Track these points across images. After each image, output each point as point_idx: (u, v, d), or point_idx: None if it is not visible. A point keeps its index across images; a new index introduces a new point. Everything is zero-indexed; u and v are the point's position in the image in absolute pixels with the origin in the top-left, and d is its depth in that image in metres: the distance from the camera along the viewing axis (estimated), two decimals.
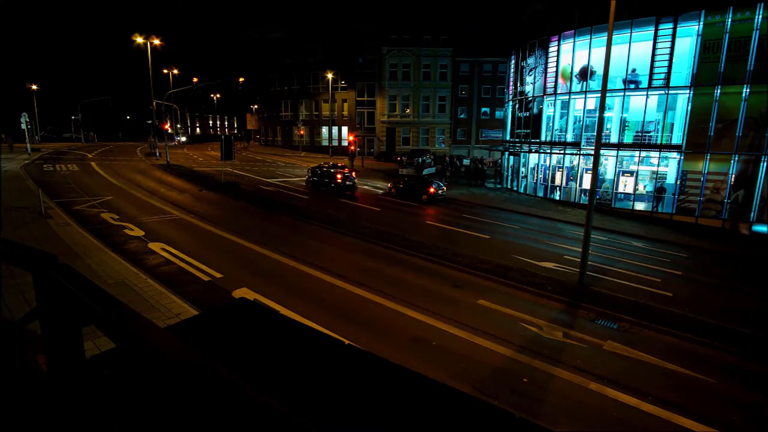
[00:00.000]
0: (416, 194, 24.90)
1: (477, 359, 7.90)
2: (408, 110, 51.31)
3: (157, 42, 33.42)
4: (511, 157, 31.88)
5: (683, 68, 21.50)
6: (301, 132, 54.43)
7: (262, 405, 0.96)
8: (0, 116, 48.98)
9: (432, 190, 24.67)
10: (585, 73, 25.04)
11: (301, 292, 10.31)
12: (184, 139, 70.92)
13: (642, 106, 22.65)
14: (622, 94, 23.52)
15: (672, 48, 21.16)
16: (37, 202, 15.72)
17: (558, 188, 27.26)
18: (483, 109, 51.85)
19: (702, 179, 21.17)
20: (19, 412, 1.77)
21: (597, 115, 19.81)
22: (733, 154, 20.21)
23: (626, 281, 12.60)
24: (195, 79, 60.30)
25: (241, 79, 65.44)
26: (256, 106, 69.04)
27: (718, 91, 20.24)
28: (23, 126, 35.76)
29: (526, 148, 29.55)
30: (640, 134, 23.27)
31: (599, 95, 15.56)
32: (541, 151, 27.93)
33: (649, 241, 18.63)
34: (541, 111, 28.16)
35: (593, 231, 12.77)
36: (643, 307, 10.44)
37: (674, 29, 21.04)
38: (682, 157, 21.73)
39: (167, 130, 39.67)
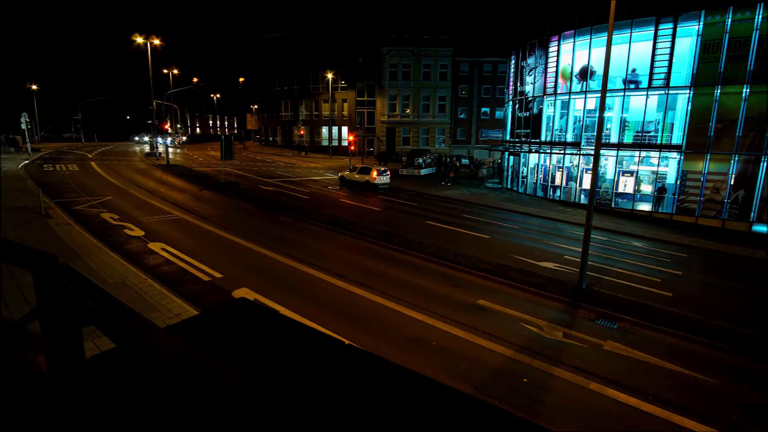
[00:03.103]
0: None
1: (477, 359, 7.90)
2: (408, 110, 51.30)
3: (157, 42, 33.42)
4: (511, 157, 31.89)
5: (683, 68, 21.49)
6: (301, 132, 54.42)
7: (262, 405, 0.96)
8: (0, 116, 48.97)
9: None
10: (585, 73, 25.04)
11: (301, 291, 10.31)
12: (184, 139, 70.47)
13: (642, 106, 22.64)
14: (622, 94, 23.51)
15: (672, 48, 21.15)
16: (37, 202, 15.72)
17: (558, 188, 27.26)
18: (483, 109, 51.86)
19: (702, 179, 21.17)
20: (19, 412, 1.77)
21: (597, 115, 19.80)
22: (733, 154, 20.20)
23: (626, 281, 12.59)
24: (195, 79, 60.33)
25: (241, 79, 65.41)
26: (256, 106, 69.01)
27: (718, 91, 20.23)
28: (23, 126, 35.76)
29: (526, 148, 29.54)
30: (640, 134, 23.27)
31: (599, 95, 15.55)
32: (541, 151, 27.92)
33: (649, 241, 18.62)
34: (541, 111, 28.15)
35: (593, 231, 12.78)
36: (643, 307, 10.43)
37: (674, 29, 21.03)
38: (682, 157, 21.72)
39: (167, 129, 39.72)
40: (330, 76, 48.94)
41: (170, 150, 37.97)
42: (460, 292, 11.01)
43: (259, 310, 2.41)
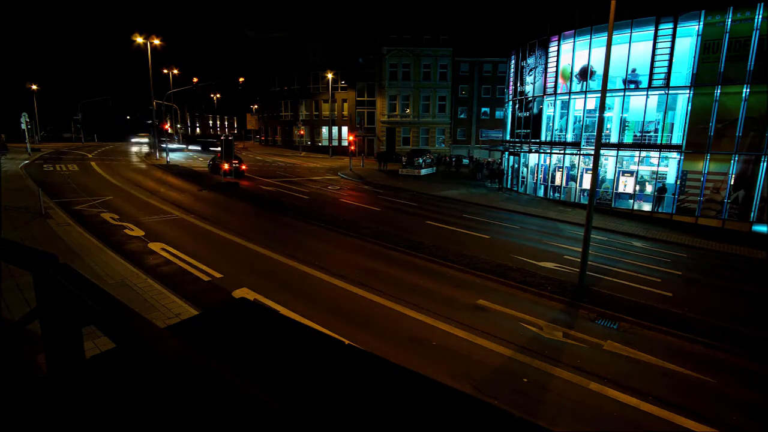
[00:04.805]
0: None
1: (477, 359, 7.90)
2: (408, 110, 51.32)
3: (157, 42, 33.43)
4: (511, 157, 31.89)
5: (683, 68, 21.49)
6: (301, 132, 54.43)
7: (262, 405, 0.96)
8: (0, 116, 48.94)
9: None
10: (585, 73, 25.04)
11: (301, 292, 10.31)
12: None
13: (642, 106, 22.65)
14: (622, 94, 23.51)
15: (672, 48, 21.16)
16: (37, 202, 15.71)
17: (558, 188, 27.27)
18: (483, 109, 51.88)
19: (702, 179, 21.17)
20: (19, 412, 1.77)
21: (597, 115, 19.82)
22: (733, 154, 20.21)
23: (626, 281, 12.59)
24: (195, 79, 60.29)
25: (241, 80, 65.43)
26: (256, 106, 69.00)
27: (718, 91, 20.24)
28: (23, 126, 35.73)
29: (526, 148, 29.55)
30: (640, 134, 23.28)
31: (599, 95, 15.55)
32: (541, 151, 27.93)
33: (649, 241, 18.62)
34: (541, 111, 28.16)
35: (593, 231, 12.77)
36: (643, 307, 10.44)
37: (674, 29, 21.04)
38: (682, 157, 21.73)
39: (167, 129, 39.72)
40: (330, 76, 48.94)
41: (170, 150, 37.93)
42: (460, 292, 11.01)
43: (260, 310, 2.42)
